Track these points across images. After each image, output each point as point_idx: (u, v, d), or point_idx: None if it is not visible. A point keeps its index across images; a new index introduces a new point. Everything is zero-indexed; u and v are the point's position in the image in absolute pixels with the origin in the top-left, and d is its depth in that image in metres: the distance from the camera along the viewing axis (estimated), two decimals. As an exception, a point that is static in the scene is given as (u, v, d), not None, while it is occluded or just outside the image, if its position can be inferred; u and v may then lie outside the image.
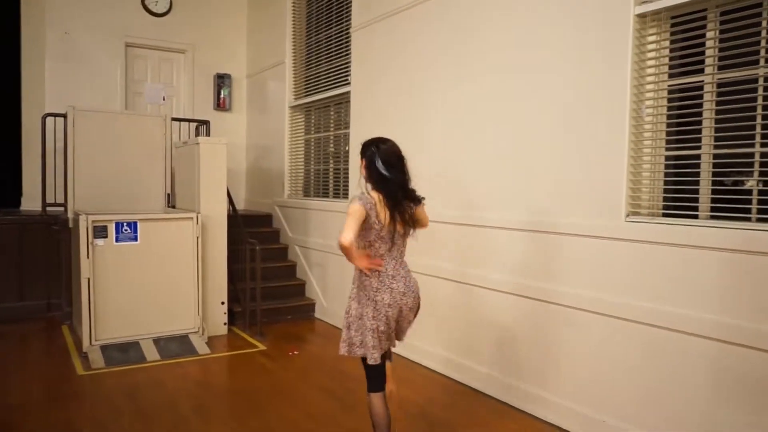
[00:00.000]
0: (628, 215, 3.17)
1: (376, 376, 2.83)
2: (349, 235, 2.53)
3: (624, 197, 3.16)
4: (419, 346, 4.54)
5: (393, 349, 3.03)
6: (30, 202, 6.78)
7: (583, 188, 3.38)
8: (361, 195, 2.69)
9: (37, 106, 6.87)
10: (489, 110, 4.05)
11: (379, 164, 2.69)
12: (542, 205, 3.64)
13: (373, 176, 2.73)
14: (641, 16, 3.12)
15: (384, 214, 2.69)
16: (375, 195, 2.70)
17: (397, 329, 2.86)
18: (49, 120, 6.22)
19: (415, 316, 2.89)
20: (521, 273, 3.80)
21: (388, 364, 2.90)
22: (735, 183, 2.99)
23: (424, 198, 2.85)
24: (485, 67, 4.07)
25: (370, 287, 2.75)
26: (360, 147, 2.83)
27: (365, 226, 2.66)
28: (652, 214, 3.17)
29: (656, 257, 3.02)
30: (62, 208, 6.05)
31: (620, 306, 3.17)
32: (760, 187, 2.80)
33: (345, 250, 2.55)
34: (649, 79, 3.18)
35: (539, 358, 3.69)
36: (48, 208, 6.23)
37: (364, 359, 2.79)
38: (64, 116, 5.75)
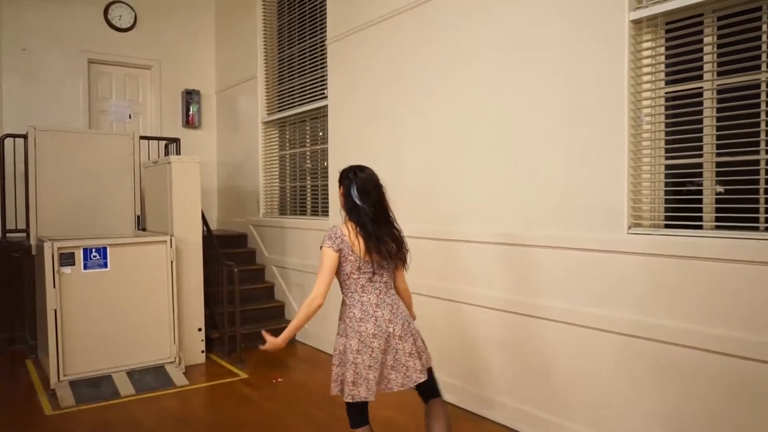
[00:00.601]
0: (630, 227, 3.07)
1: (356, 414, 2.69)
2: (320, 290, 2.57)
3: (626, 209, 3.06)
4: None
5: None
6: (-12, 228, 6.38)
7: (582, 201, 3.26)
8: (330, 232, 2.64)
9: (-6, 127, 6.51)
10: (476, 122, 3.93)
11: (354, 192, 2.64)
12: (538, 220, 3.52)
13: (347, 204, 2.68)
14: (636, 22, 3.04)
15: (359, 245, 2.59)
16: (349, 225, 2.64)
17: (403, 364, 2.62)
18: (8, 141, 5.87)
19: (415, 343, 2.66)
20: (515, 290, 3.66)
21: (436, 401, 2.74)
22: (738, 192, 2.91)
23: (407, 250, 2.76)
24: (471, 77, 3.96)
25: (353, 318, 2.63)
26: (339, 173, 2.76)
27: (340, 261, 2.62)
28: (654, 226, 3.07)
29: (660, 270, 2.91)
30: (24, 235, 5.69)
31: (626, 322, 3.05)
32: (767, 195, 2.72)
33: (308, 308, 2.57)
34: (646, 86, 3.09)
35: (537, 377, 3.54)
36: (8, 235, 5.86)
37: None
38: (25, 137, 5.43)
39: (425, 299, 4.19)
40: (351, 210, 2.65)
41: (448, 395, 4.18)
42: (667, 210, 3.06)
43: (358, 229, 2.61)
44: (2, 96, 6.70)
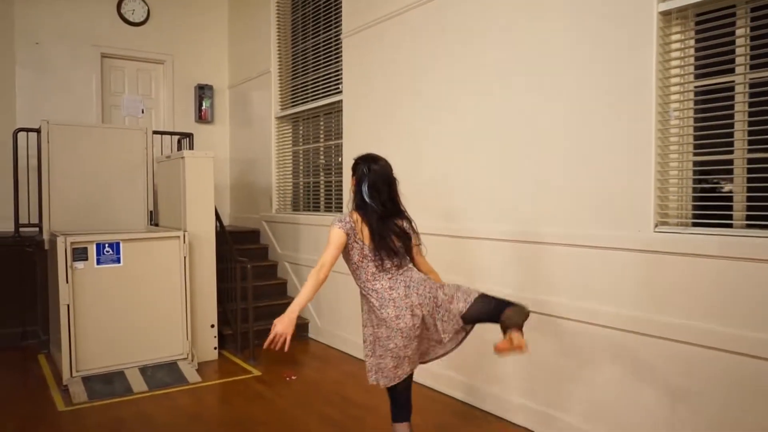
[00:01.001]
0: (656, 225, 2.97)
1: (396, 403, 2.81)
2: (327, 259, 2.58)
3: (652, 206, 2.96)
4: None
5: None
6: (2, 222, 6.35)
7: (606, 198, 3.17)
8: (341, 216, 2.71)
9: (7, 122, 6.49)
10: (494, 117, 3.84)
11: (365, 189, 2.69)
12: (561, 217, 3.43)
13: (356, 199, 2.75)
14: (665, 14, 2.94)
15: (364, 233, 2.67)
16: (355, 214, 2.71)
17: (436, 329, 2.68)
18: (21, 135, 5.85)
19: (437, 303, 2.65)
20: (537, 288, 3.57)
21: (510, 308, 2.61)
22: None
23: (420, 243, 2.83)
24: (490, 70, 3.87)
25: (373, 307, 2.68)
26: (353, 161, 2.82)
27: (348, 247, 2.67)
28: (681, 224, 2.97)
29: (688, 270, 2.81)
30: (37, 229, 5.67)
31: (651, 323, 2.95)
32: (802, 192, 2.63)
33: (317, 276, 2.56)
34: (674, 80, 2.99)
35: (561, 379, 3.46)
36: (21, 229, 5.84)
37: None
38: (38, 131, 5.40)
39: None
40: (359, 206, 2.71)
41: (457, 393, 4.13)
42: (695, 208, 2.96)
43: (364, 220, 2.68)
44: (15, 90, 6.68)
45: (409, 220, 2.81)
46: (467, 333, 2.75)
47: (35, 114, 6.36)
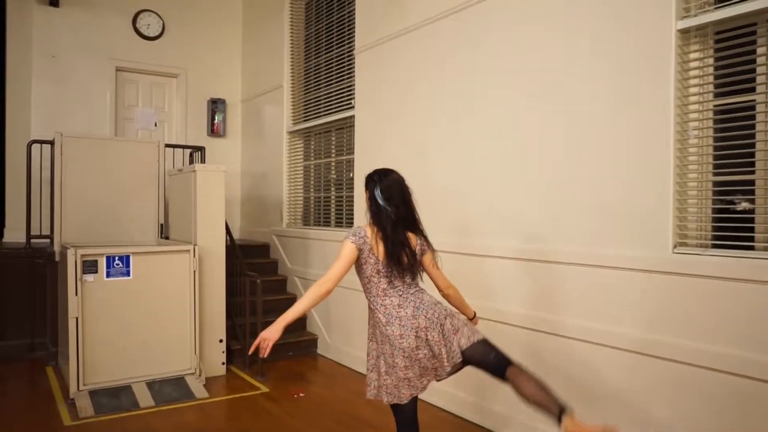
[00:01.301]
0: (675, 246, 2.91)
1: (401, 421, 2.70)
2: (333, 274, 2.54)
3: (671, 226, 2.90)
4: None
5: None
6: (14, 234, 6.39)
7: (622, 217, 3.11)
8: (354, 230, 2.65)
9: (22, 133, 6.53)
10: (508, 133, 3.81)
11: (378, 193, 2.66)
12: (578, 237, 3.37)
13: (372, 207, 2.69)
14: (684, 32, 2.90)
15: (379, 248, 2.62)
16: (372, 229, 2.66)
17: (436, 354, 2.56)
18: (35, 147, 5.89)
19: (443, 330, 2.56)
20: (544, 308, 3.51)
21: (512, 370, 2.48)
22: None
23: (435, 251, 2.79)
24: (505, 86, 3.84)
25: (379, 323, 2.63)
26: (365, 178, 2.80)
27: (360, 261, 2.64)
28: (701, 245, 2.91)
29: (708, 292, 2.74)
30: (48, 241, 5.68)
31: (669, 346, 2.88)
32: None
33: (318, 289, 2.53)
34: (693, 99, 2.94)
35: (575, 401, 3.37)
36: (33, 240, 5.85)
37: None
38: (51, 143, 5.43)
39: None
40: (375, 213, 2.67)
41: (466, 412, 4.05)
42: (714, 229, 2.90)
43: (379, 233, 2.62)
44: (31, 102, 6.74)
45: (424, 236, 2.75)
46: (459, 369, 2.66)
47: (50, 126, 6.41)
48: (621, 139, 3.13)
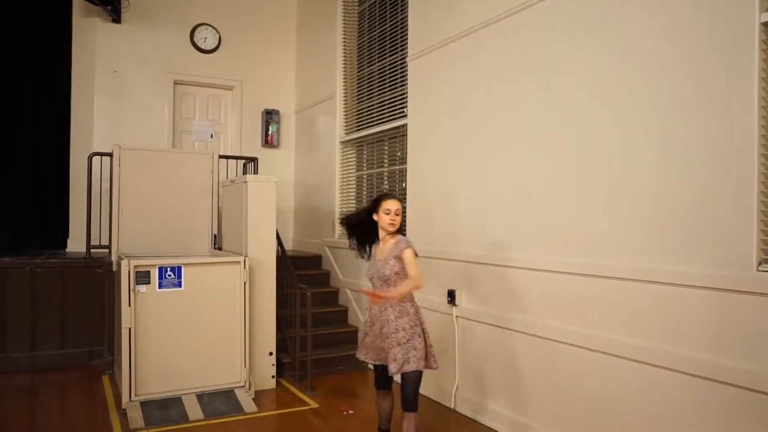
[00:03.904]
0: (760, 264, 2.60)
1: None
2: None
3: (755, 243, 2.60)
4: (489, 406, 3.99)
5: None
6: (76, 243, 6.58)
7: (697, 231, 2.82)
8: (408, 239, 3.32)
9: (85, 146, 6.75)
10: (571, 141, 3.56)
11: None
12: (647, 252, 3.09)
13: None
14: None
15: None
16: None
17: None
18: (96, 159, 6.04)
19: (397, 344, 3.20)
20: (608, 327, 3.24)
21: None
22: None
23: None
24: (565, 91, 3.60)
25: (419, 311, 3.36)
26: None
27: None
28: (790, 263, 2.59)
29: (801, 316, 2.43)
30: (107, 250, 5.79)
31: (752, 374, 2.57)
32: None
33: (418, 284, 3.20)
34: (780, 99, 2.64)
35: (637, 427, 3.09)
36: (93, 250, 5.99)
37: None
38: (110, 155, 5.54)
39: (511, 333, 3.82)
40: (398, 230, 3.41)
41: (496, 424, 3.81)
42: (806, 244, 2.58)
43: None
44: (94, 116, 6.96)
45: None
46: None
47: (111, 139, 6.56)
48: (695, 145, 2.84)
